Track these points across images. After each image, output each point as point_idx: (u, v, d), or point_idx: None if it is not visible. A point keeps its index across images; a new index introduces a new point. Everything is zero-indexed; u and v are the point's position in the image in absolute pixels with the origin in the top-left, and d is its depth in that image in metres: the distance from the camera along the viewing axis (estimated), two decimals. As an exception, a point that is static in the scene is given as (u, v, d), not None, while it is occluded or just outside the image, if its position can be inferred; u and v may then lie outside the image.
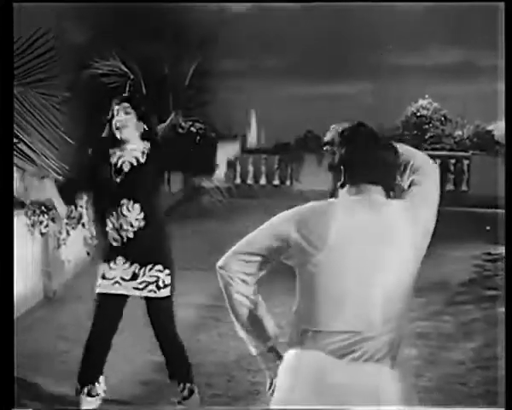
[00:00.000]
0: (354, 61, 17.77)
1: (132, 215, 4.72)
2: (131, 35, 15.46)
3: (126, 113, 4.77)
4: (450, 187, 16.16)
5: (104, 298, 4.83)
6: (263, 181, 17.08)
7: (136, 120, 4.78)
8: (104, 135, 4.90)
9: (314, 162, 16.48)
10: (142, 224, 4.73)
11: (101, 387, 5.01)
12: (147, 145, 4.80)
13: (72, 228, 7.18)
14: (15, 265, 6.92)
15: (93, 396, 4.96)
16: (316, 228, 2.72)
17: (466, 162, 16.15)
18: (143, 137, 4.82)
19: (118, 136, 4.76)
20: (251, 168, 17.09)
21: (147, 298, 4.84)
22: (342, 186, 2.82)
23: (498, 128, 16.37)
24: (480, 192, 15.38)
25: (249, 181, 17.16)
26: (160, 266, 4.79)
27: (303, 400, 2.66)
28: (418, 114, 17.10)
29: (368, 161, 2.82)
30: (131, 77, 16.02)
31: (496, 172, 15.36)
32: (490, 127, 16.67)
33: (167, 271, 4.81)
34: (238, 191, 16.60)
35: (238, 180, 17.18)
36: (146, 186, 4.80)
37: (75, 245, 8.75)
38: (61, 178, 5.25)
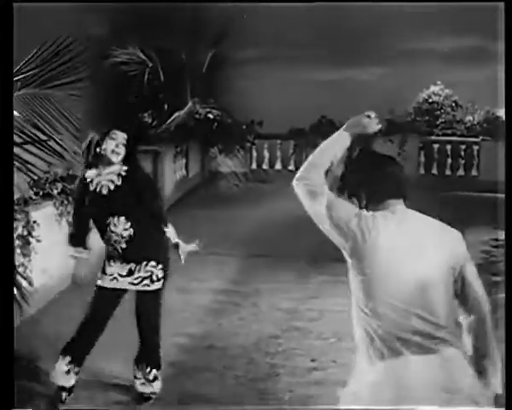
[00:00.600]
0: (367, 48, 17.85)
1: (119, 228, 5.17)
2: (149, 25, 15.69)
3: (123, 144, 5.20)
4: (460, 172, 16.33)
5: (102, 291, 5.30)
6: (278, 166, 17.29)
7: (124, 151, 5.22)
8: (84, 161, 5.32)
9: (328, 148, 16.72)
10: (132, 232, 5.17)
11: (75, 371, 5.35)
12: (123, 168, 5.21)
13: None
14: (45, 253, 7.33)
15: (68, 373, 5.30)
16: (366, 232, 3.04)
17: (476, 148, 16.27)
18: (123, 161, 5.23)
19: (112, 159, 5.17)
20: (266, 154, 17.29)
21: (138, 290, 5.27)
22: (366, 208, 3.12)
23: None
24: (490, 177, 15.52)
25: (265, 166, 17.36)
26: (153, 262, 5.22)
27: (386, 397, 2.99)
28: (430, 100, 17.05)
29: (380, 180, 3.12)
30: (150, 65, 16.25)
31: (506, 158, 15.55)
32: (500, 113, 16.73)
33: (160, 266, 5.24)
34: (254, 176, 16.83)
35: (254, 165, 17.38)
36: (126, 202, 5.21)
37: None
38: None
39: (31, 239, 7.34)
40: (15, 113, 5.47)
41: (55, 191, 8.10)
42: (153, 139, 14.48)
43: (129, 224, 5.18)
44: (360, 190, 3.15)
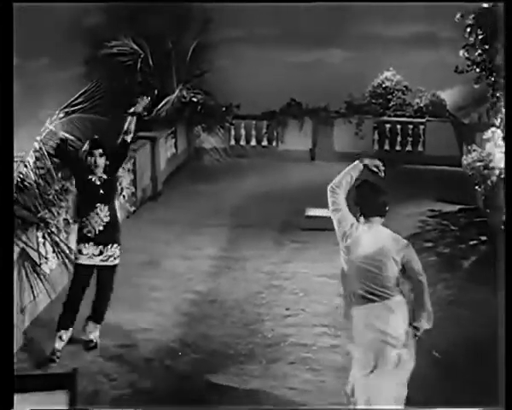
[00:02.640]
0: (335, 32, 18.51)
1: (102, 214, 6.73)
2: (138, 13, 16.74)
3: (100, 155, 6.76)
4: (408, 148, 18.05)
5: (81, 267, 6.74)
6: (253, 143, 18.67)
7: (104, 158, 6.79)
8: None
9: (296, 127, 18.27)
10: (108, 219, 6.76)
11: (67, 335, 6.80)
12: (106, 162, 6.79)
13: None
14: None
15: (62, 341, 6.81)
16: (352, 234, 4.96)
17: (422, 127, 17.83)
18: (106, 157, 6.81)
19: (94, 169, 6.77)
20: (243, 132, 18.60)
21: (99, 265, 6.77)
22: (360, 216, 5.01)
23: (448, 96, 18.09)
24: (433, 153, 17.31)
25: (242, 142, 18.71)
26: (116, 245, 6.86)
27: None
28: (383, 85, 18.35)
29: (370, 203, 4.98)
30: (142, 55, 17.29)
31: (447, 135, 17.22)
32: (443, 96, 18.14)
33: (119, 247, 6.88)
34: (233, 151, 18.19)
35: (232, 142, 18.75)
36: (111, 194, 6.88)
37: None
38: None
39: (70, 221, 9.11)
40: (65, 134, 7.30)
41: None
42: (146, 124, 15.76)
43: (108, 213, 6.75)
44: (358, 207, 5.01)
